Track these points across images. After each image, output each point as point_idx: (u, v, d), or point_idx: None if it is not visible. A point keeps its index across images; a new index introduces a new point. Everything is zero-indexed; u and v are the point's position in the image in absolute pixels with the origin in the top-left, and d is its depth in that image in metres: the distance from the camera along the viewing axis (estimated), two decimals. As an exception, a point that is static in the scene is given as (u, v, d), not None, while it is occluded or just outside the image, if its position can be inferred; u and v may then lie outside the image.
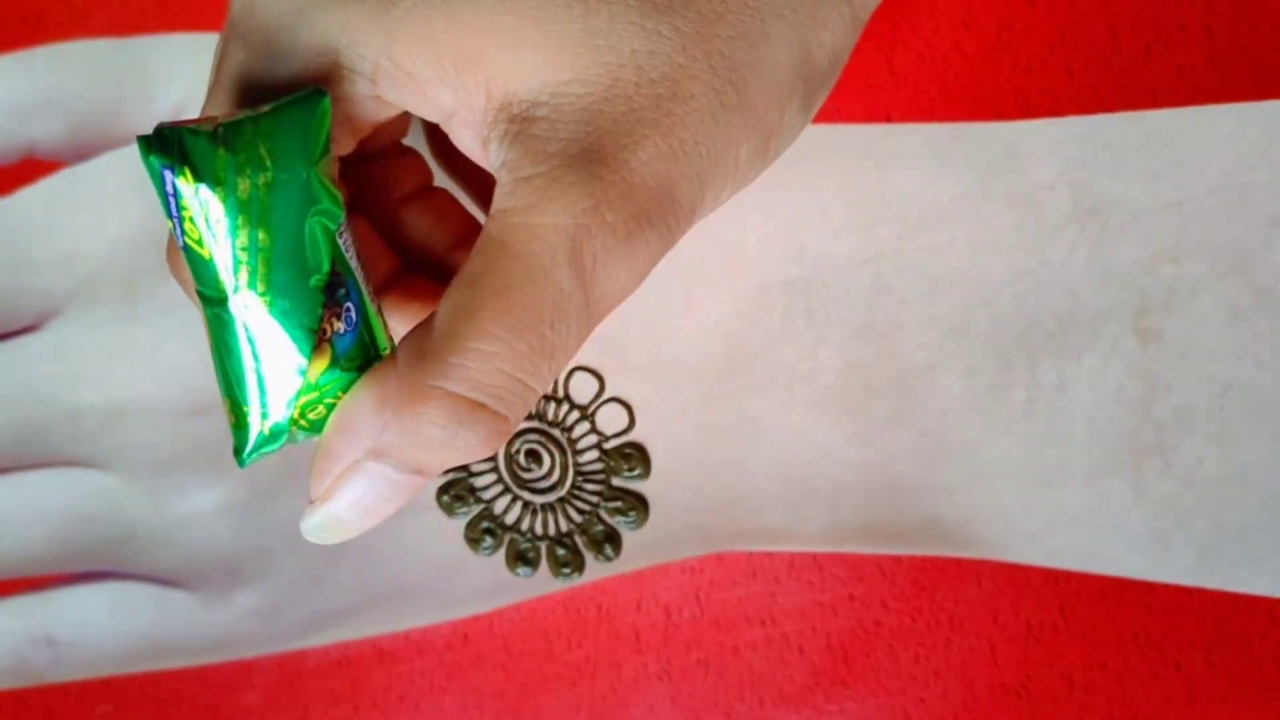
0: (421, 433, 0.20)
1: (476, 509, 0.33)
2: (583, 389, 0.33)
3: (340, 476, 0.21)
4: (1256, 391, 0.31)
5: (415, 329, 0.21)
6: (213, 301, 0.20)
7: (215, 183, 0.19)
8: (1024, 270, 0.31)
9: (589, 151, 0.20)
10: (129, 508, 0.32)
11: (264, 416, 0.21)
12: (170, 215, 0.19)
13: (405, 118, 0.24)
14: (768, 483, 0.33)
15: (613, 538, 0.33)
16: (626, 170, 0.20)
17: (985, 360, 0.32)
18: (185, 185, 0.19)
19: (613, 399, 0.33)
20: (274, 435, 0.21)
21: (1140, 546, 0.31)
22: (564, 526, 0.33)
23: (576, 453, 0.33)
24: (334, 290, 0.20)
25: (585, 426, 0.33)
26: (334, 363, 0.21)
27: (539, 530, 0.33)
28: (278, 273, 0.20)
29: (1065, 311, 0.31)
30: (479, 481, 0.33)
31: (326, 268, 0.20)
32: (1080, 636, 0.32)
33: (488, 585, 0.33)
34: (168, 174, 0.19)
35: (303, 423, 0.21)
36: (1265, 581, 0.31)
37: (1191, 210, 0.31)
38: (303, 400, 0.21)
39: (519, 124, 0.20)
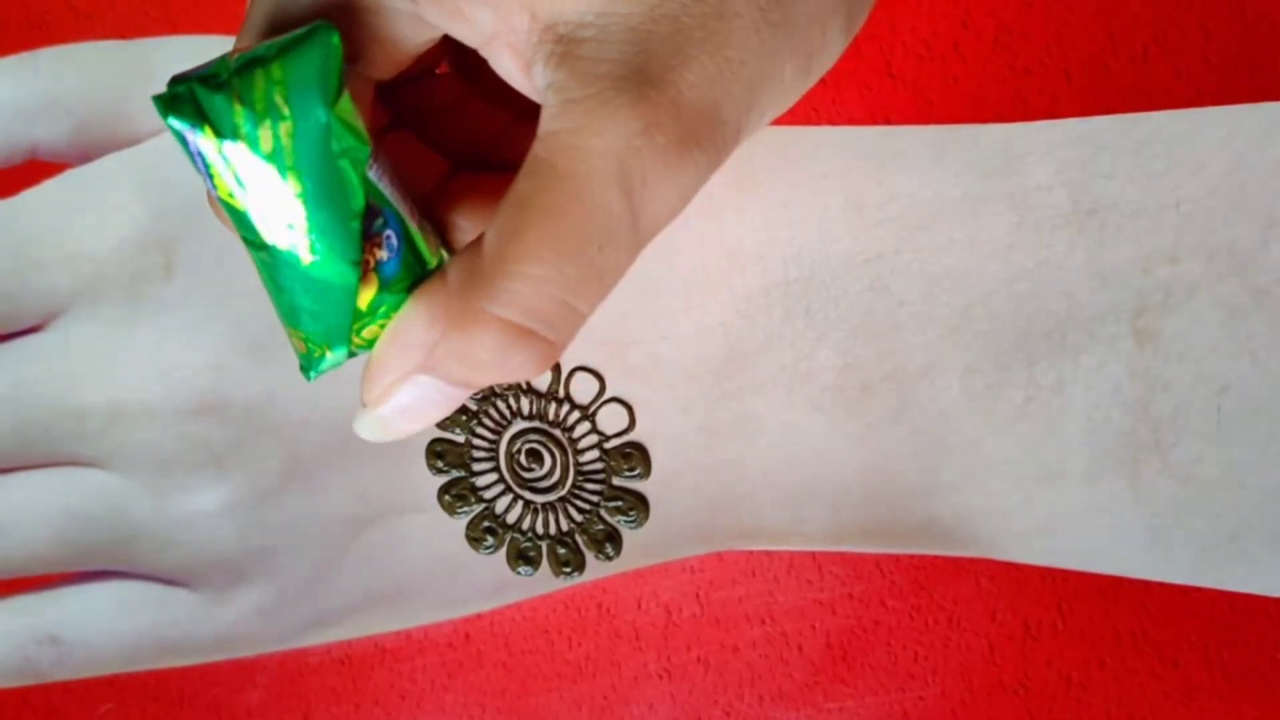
0: (471, 354, 0.20)
1: (478, 508, 0.33)
2: (583, 389, 0.33)
3: (390, 386, 0.21)
4: (1253, 391, 0.31)
5: (465, 249, 0.21)
6: (255, 246, 0.20)
7: (236, 137, 0.19)
8: (1022, 271, 0.31)
9: (637, 73, 0.20)
10: (132, 507, 0.32)
11: (322, 343, 0.22)
12: (199, 171, 0.19)
13: (439, 49, 0.24)
14: (767, 482, 0.33)
15: (613, 537, 0.33)
16: (675, 91, 0.20)
17: (983, 360, 0.32)
18: (208, 143, 0.19)
19: (613, 399, 0.33)
20: (334, 358, 0.22)
21: (1138, 545, 0.31)
22: (565, 526, 0.33)
23: (577, 452, 0.33)
24: (371, 221, 0.21)
25: (586, 426, 0.33)
26: (382, 288, 0.21)
27: (540, 529, 0.33)
28: (313, 214, 0.20)
29: (1063, 312, 0.31)
30: (480, 481, 0.33)
31: (361, 203, 0.20)
32: (1078, 635, 0.32)
33: (489, 584, 0.33)
34: (189, 134, 0.19)
35: (359, 341, 0.22)
36: (1262, 580, 0.31)
37: (1189, 211, 0.31)
38: (356, 325, 0.21)
39: (565, 45, 0.20)
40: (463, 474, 0.33)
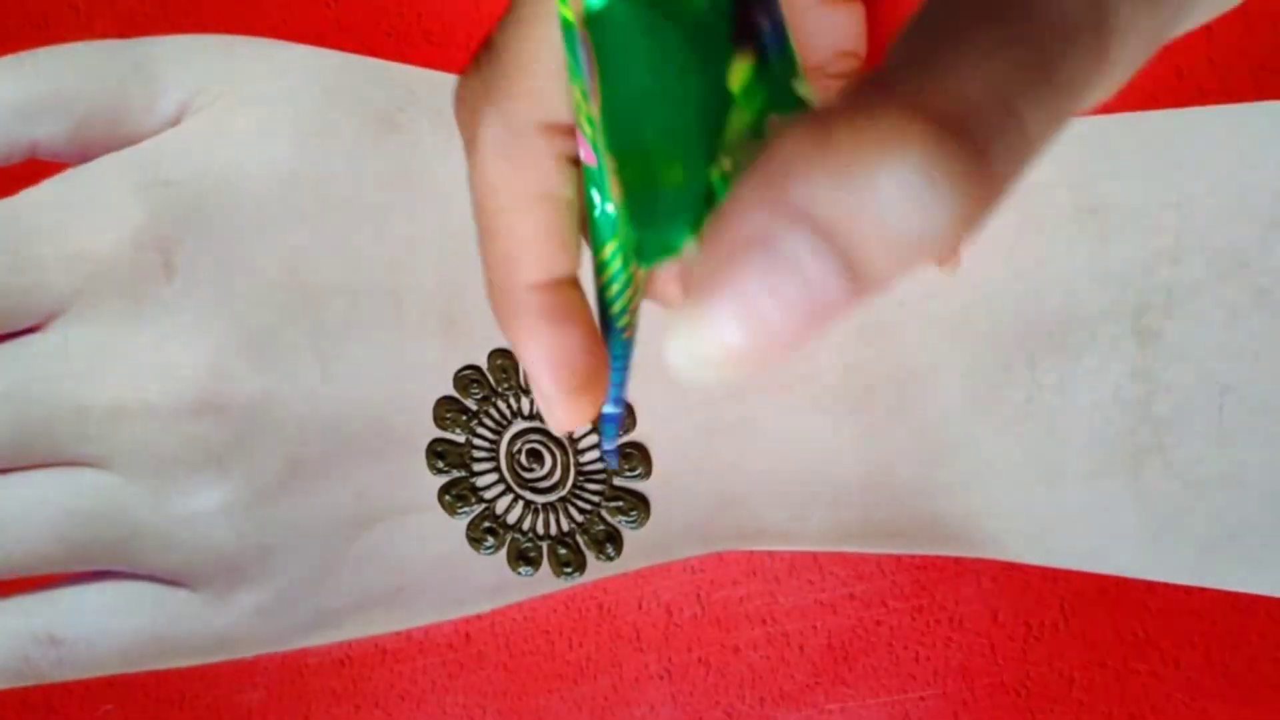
0: (868, 176, 0.13)
1: (478, 508, 0.33)
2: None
3: (733, 254, 0.14)
4: (1255, 391, 0.31)
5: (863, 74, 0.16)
6: (593, 18, 0.15)
7: None
8: (1024, 270, 0.31)
9: None
10: (132, 507, 0.32)
11: (666, 159, 0.15)
12: None
13: None
14: (768, 482, 0.33)
15: (614, 537, 0.33)
16: None
17: (985, 360, 0.32)
18: None
19: (614, 399, 0.33)
20: (680, 184, 0.15)
21: (1140, 546, 0.31)
22: (565, 526, 0.33)
23: (578, 452, 0.33)
24: None
25: (586, 426, 0.33)
26: (762, 71, 0.15)
27: (540, 530, 0.33)
28: None
29: (1065, 312, 0.31)
30: (481, 481, 0.33)
31: None
32: (1080, 635, 0.32)
33: (489, 584, 0.33)
34: None
35: (725, 166, 0.15)
36: (1264, 580, 0.31)
37: (1190, 211, 0.31)
38: (725, 125, 0.15)
39: None
40: (463, 474, 0.33)
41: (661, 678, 0.34)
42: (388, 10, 0.35)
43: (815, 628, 0.33)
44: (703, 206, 0.15)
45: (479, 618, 0.34)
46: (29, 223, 0.31)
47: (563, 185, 0.20)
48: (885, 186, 0.13)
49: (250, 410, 0.32)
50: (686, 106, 0.15)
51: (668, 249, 0.15)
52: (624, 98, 0.15)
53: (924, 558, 0.33)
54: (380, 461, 0.33)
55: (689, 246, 0.15)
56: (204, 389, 0.32)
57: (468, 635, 0.35)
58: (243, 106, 0.31)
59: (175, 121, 0.31)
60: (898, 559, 0.33)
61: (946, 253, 0.12)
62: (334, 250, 0.32)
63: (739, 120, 0.15)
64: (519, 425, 0.33)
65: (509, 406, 0.33)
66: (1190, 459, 0.31)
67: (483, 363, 0.33)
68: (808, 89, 0.16)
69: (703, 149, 0.15)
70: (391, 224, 0.32)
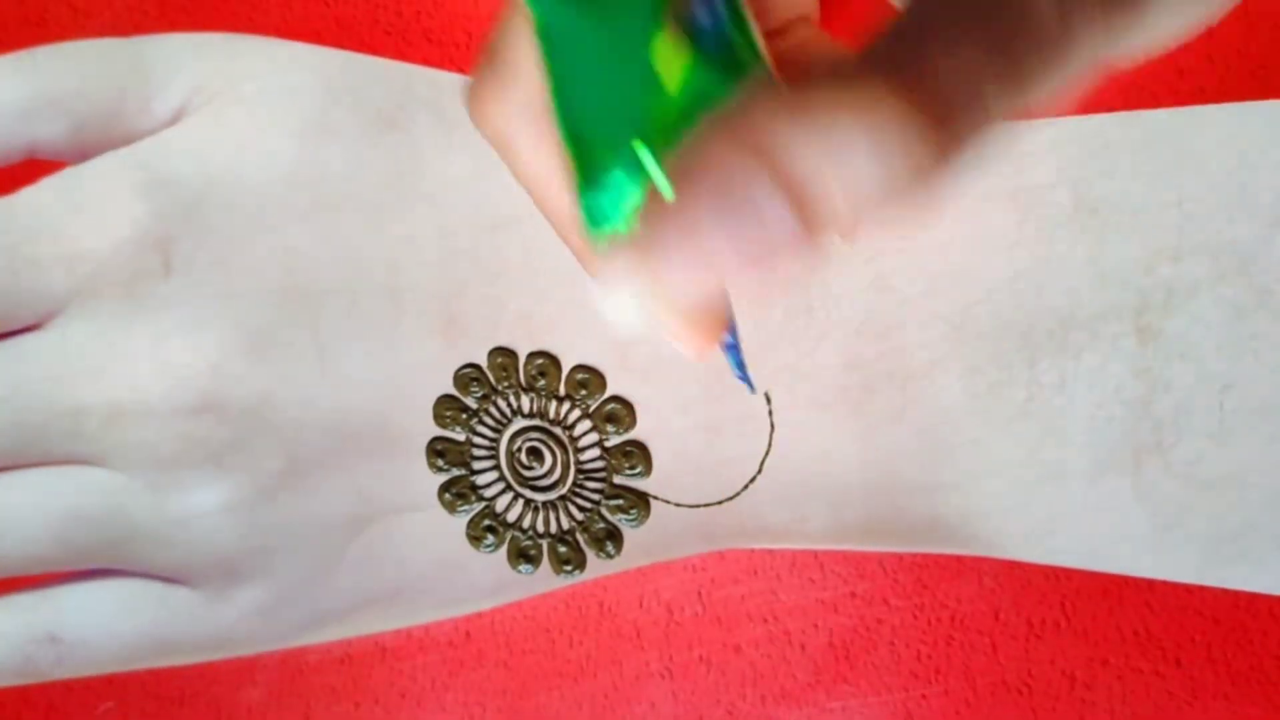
0: (845, 137, 0.14)
1: (478, 507, 0.33)
2: (584, 387, 0.33)
3: (694, 192, 0.14)
4: (1256, 390, 0.31)
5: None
6: (541, 15, 0.16)
7: None
8: (1024, 269, 0.31)
9: None
10: (131, 506, 0.32)
11: (607, 146, 0.16)
12: None
13: None
14: (769, 481, 0.33)
15: (614, 535, 0.33)
16: None
17: (985, 359, 0.32)
18: None
19: (614, 397, 0.33)
20: (620, 168, 0.16)
21: (1141, 544, 0.31)
22: (565, 524, 0.33)
23: (578, 451, 0.33)
24: None
25: (587, 424, 0.33)
26: (698, 64, 0.16)
27: (540, 528, 0.33)
28: None
29: (1065, 310, 0.31)
30: (480, 479, 0.33)
31: None
32: (1082, 634, 0.33)
33: (489, 583, 0.33)
34: None
35: (665, 154, 0.16)
36: (1266, 579, 0.31)
37: (1191, 209, 0.31)
38: (658, 120, 0.16)
39: None
40: (463, 472, 0.33)
41: (662, 676, 0.34)
42: (387, 9, 0.35)
43: (817, 626, 0.33)
44: (638, 188, 0.16)
45: (479, 616, 0.34)
46: (27, 222, 0.31)
47: None
48: (856, 142, 0.14)
49: (249, 409, 0.32)
50: (621, 99, 0.16)
51: (610, 223, 0.16)
52: (565, 90, 0.16)
53: (925, 556, 0.33)
54: (380, 460, 0.33)
55: (630, 223, 0.16)
56: (203, 387, 0.32)
57: (468, 633, 0.35)
58: (242, 105, 0.31)
59: (174, 120, 0.31)
60: (899, 557, 0.33)
61: (901, 209, 0.14)
62: (333, 249, 0.32)
63: (677, 110, 0.16)
64: (519, 423, 0.33)
65: (509, 405, 0.33)
66: (1191, 458, 0.31)
67: (482, 361, 0.33)
68: (764, 67, 0.17)
69: (637, 136, 0.16)
70: (391, 222, 0.32)
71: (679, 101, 0.16)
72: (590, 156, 0.16)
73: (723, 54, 0.16)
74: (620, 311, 0.16)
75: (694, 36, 0.16)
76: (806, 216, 0.14)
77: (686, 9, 0.16)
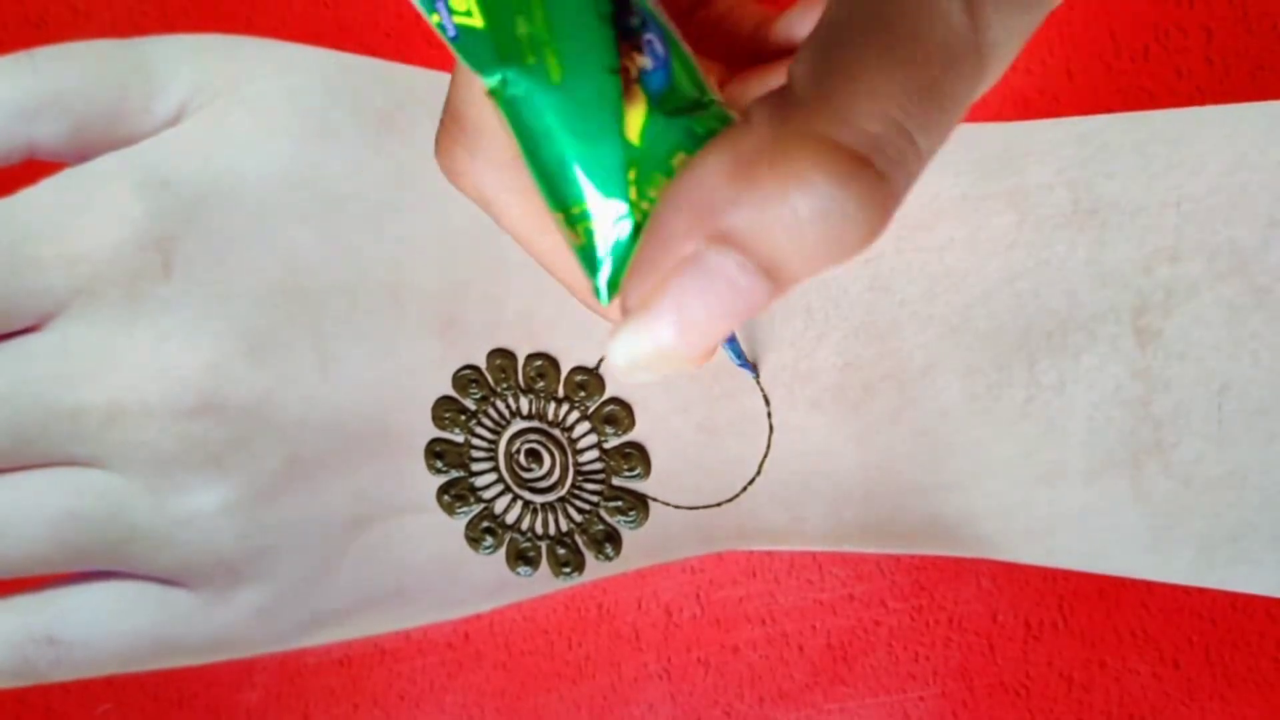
0: (786, 204, 0.16)
1: (477, 508, 0.33)
2: (582, 389, 0.33)
3: (669, 274, 0.16)
4: (1255, 391, 0.31)
5: (767, 94, 0.18)
6: (500, 90, 0.17)
7: None
8: (1023, 270, 0.31)
9: None
10: (130, 507, 0.32)
11: (603, 205, 0.17)
12: (434, 7, 0.17)
13: None
14: (767, 482, 0.33)
15: (613, 537, 0.33)
16: None
17: (984, 360, 0.32)
18: None
19: (612, 399, 0.33)
20: (621, 231, 0.18)
21: (1139, 545, 0.31)
22: (564, 526, 0.33)
23: (576, 452, 0.33)
24: (624, 20, 0.17)
25: (585, 426, 0.33)
26: (653, 109, 0.17)
27: (539, 529, 0.33)
28: (556, 11, 0.17)
29: (1064, 311, 0.31)
30: (479, 481, 0.33)
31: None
32: (1079, 635, 0.32)
33: (488, 584, 0.33)
34: None
35: (644, 205, 0.18)
36: (1264, 580, 0.31)
37: (1190, 210, 0.31)
38: (634, 172, 0.17)
39: None
40: (462, 474, 0.33)
41: (660, 677, 0.34)
42: (388, 10, 0.35)
43: (814, 628, 0.33)
44: (626, 239, 0.18)
45: (478, 617, 0.34)
46: (27, 222, 0.31)
47: None
48: (802, 211, 0.16)
49: (249, 410, 0.32)
50: (591, 156, 0.17)
51: (605, 266, 0.18)
52: (536, 154, 0.18)
53: (923, 558, 0.33)
54: (379, 461, 0.33)
55: (618, 285, 0.18)
56: (203, 389, 0.32)
57: (466, 635, 0.35)
58: (242, 106, 0.31)
59: (174, 121, 0.31)
60: (897, 559, 0.33)
61: (850, 256, 0.16)
62: (333, 250, 0.32)
63: (644, 160, 0.18)
64: (518, 425, 0.33)
65: (508, 406, 0.33)
66: (1190, 458, 0.31)
67: (481, 362, 0.33)
68: (711, 98, 0.18)
69: (615, 197, 0.18)
70: (391, 224, 0.32)
71: (643, 150, 0.18)
72: (571, 214, 0.18)
73: (674, 98, 0.18)
74: (628, 374, 0.18)
75: (644, 84, 0.18)
76: (773, 276, 0.16)
77: (634, 61, 0.17)
